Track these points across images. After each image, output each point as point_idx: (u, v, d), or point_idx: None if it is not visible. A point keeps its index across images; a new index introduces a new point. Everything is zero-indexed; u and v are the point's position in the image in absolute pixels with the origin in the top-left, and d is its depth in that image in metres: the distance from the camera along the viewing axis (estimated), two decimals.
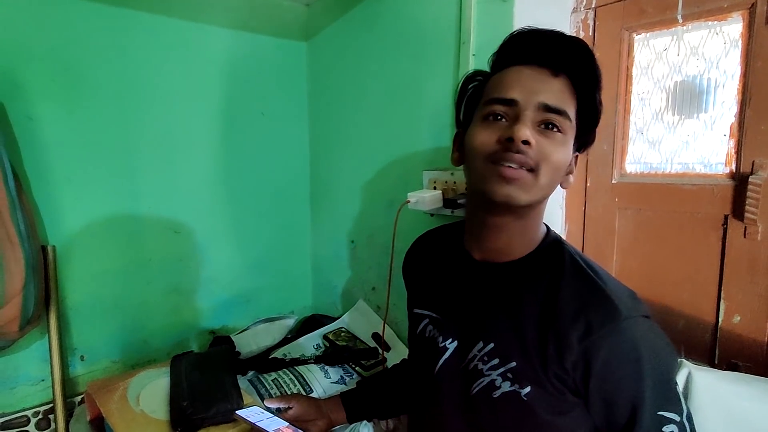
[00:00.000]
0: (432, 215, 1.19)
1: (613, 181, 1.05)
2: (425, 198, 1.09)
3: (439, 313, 0.75)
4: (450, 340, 0.71)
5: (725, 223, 0.89)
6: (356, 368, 1.21)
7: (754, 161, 0.86)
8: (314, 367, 1.19)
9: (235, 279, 1.56)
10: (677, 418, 0.58)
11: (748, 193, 0.85)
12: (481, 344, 0.66)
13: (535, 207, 0.66)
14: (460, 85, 0.75)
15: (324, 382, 1.15)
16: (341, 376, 1.18)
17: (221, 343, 1.35)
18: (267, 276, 1.64)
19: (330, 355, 1.24)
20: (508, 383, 0.63)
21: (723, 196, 0.89)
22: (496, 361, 0.65)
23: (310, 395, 1.10)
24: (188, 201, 1.44)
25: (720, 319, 0.91)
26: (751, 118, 0.86)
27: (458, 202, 1.06)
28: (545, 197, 0.66)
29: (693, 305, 0.94)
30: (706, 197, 0.91)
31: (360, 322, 1.40)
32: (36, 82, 1.16)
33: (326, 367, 1.20)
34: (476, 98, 0.69)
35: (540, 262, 0.67)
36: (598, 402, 0.60)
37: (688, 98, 0.96)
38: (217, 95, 1.47)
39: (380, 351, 1.26)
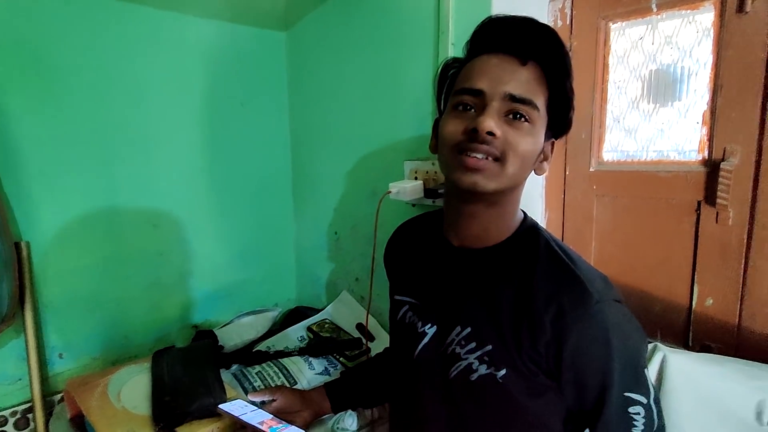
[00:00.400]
0: (413, 205, 1.19)
1: (591, 169, 1.06)
2: (406, 188, 1.10)
3: (419, 299, 0.76)
4: (429, 325, 0.72)
5: (698, 208, 0.92)
6: (340, 359, 1.21)
7: (725, 148, 0.88)
8: (298, 359, 1.19)
9: (217, 272, 1.55)
10: (644, 400, 0.59)
11: (720, 180, 0.87)
12: (458, 329, 0.68)
13: (506, 194, 0.67)
14: (439, 72, 0.75)
15: (308, 373, 1.15)
16: (325, 367, 1.18)
17: (204, 337, 1.34)
18: (250, 269, 1.63)
19: (314, 347, 1.24)
20: (484, 366, 0.65)
21: (696, 182, 0.91)
22: (473, 344, 0.66)
23: (295, 387, 1.10)
24: (167, 193, 1.41)
25: (693, 303, 0.93)
26: (723, 106, 0.88)
27: (439, 191, 1.06)
28: (515, 185, 0.67)
29: (668, 289, 0.97)
30: (680, 184, 0.93)
31: (344, 313, 1.40)
32: (4, 72, 1.12)
33: (310, 359, 1.20)
34: (452, 86, 0.70)
35: (516, 247, 0.68)
36: (569, 384, 0.62)
37: (663, 87, 0.98)
38: (194, 86, 1.44)
39: (364, 341, 1.27)
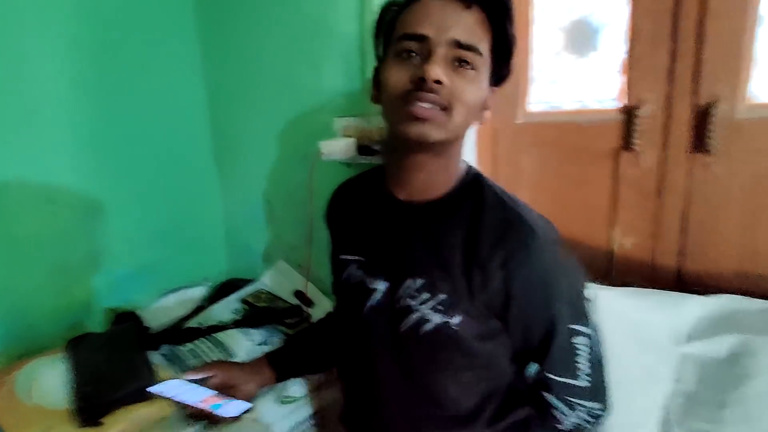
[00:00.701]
0: (348, 165, 1.15)
1: (518, 122, 1.08)
2: (338, 147, 1.06)
3: (366, 256, 0.74)
4: (379, 281, 0.71)
5: (617, 154, 0.97)
6: (280, 328, 1.17)
7: (640, 96, 0.93)
8: (234, 332, 1.14)
9: (133, 250, 1.42)
10: (587, 331, 0.64)
11: (636, 126, 0.93)
12: (410, 281, 0.67)
13: (452, 144, 0.66)
14: (378, 16, 0.71)
15: (247, 345, 1.10)
16: (265, 337, 1.14)
17: (125, 320, 1.24)
18: (172, 243, 1.51)
19: (251, 318, 1.19)
20: (438, 315, 0.65)
21: (615, 129, 0.96)
22: (425, 295, 0.66)
23: (234, 360, 1.05)
24: (64, 166, 1.24)
25: (615, 245, 1.00)
26: (637, 55, 0.92)
27: (374, 148, 1.03)
28: (461, 134, 0.67)
29: (593, 233, 1.03)
30: (600, 132, 0.98)
31: (281, 282, 1.35)
32: None
33: (248, 330, 1.14)
34: (391, 31, 0.66)
35: (462, 196, 0.69)
36: (517, 324, 0.64)
37: (583, 37, 1.01)
38: (83, 40, 1.25)
39: (304, 308, 1.23)
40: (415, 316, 0.67)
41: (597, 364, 0.66)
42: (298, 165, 1.29)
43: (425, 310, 0.66)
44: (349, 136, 1.09)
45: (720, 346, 0.75)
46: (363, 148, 1.05)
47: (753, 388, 0.71)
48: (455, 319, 0.64)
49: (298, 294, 1.29)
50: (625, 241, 0.99)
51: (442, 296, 0.65)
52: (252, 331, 1.14)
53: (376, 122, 1.03)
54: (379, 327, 0.71)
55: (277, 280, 1.36)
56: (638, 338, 0.79)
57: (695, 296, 0.81)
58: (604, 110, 0.99)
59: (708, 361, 0.76)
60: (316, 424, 1.01)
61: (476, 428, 0.71)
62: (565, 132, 1.03)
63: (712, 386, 0.74)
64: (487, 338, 0.65)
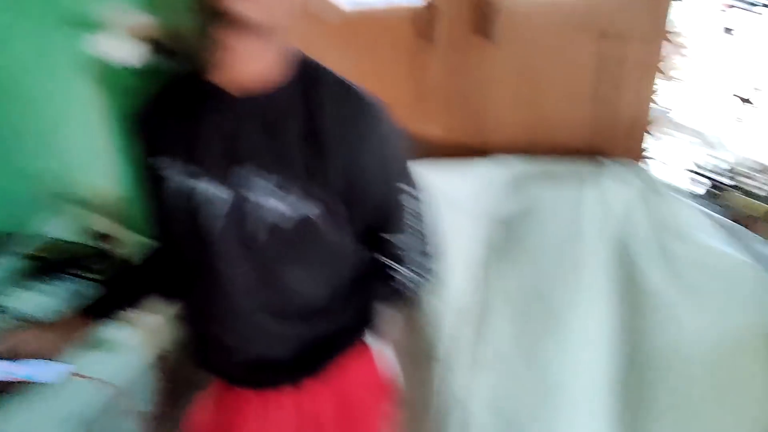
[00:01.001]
0: (136, 68, 0.93)
1: (329, 21, 1.05)
2: (118, 47, 0.86)
3: (199, 162, 0.65)
4: (218, 186, 0.64)
5: (422, 46, 1.04)
6: (88, 275, 0.99)
7: None
8: (22, 293, 0.91)
9: None
10: (411, 190, 0.69)
11: (435, 22, 1.01)
12: (253, 179, 0.63)
13: (281, 29, 0.61)
14: None
15: (46, 302, 0.90)
16: (71, 290, 0.94)
17: None
18: None
19: (42, 272, 0.96)
20: (287, 207, 0.63)
21: (420, 24, 1.02)
22: (271, 190, 0.63)
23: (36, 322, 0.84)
24: None
25: (420, 127, 1.08)
26: None
27: (170, 47, 0.87)
28: (289, 17, 0.61)
29: (401, 118, 1.10)
30: (407, 26, 1.03)
31: (70, 225, 1.11)
32: None
33: (42, 287, 0.93)
34: None
35: (298, 82, 0.65)
36: (359, 196, 0.66)
37: None
38: None
39: (109, 249, 1.05)
40: (264, 213, 0.63)
41: (424, 220, 0.73)
42: (57, 71, 1.01)
43: (272, 205, 0.62)
44: (135, 35, 0.89)
45: (516, 200, 0.94)
46: (158, 46, 0.87)
47: (538, 232, 0.92)
48: (311, 210, 0.63)
49: (99, 236, 1.09)
50: (430, 129, 1.09)
51: (287, 188, 0.62)
52: (48, 287, 0.93)
53: (164, 15, 0.87)
54: (228, 234, 0.65)
55: (66, 226, 1.12)
56: (450, 205, 0.91)
57: (491, 162, 0.97)
58: (410, 7, 1.04)
59: (508, 215, 0.94)
60: (160, 369, 0.92)
61: (329, 316, 0.73)
62: (376, 28, 1.06)
63: (512, 236, 0.93)
64: (337, 222, 0.66)
